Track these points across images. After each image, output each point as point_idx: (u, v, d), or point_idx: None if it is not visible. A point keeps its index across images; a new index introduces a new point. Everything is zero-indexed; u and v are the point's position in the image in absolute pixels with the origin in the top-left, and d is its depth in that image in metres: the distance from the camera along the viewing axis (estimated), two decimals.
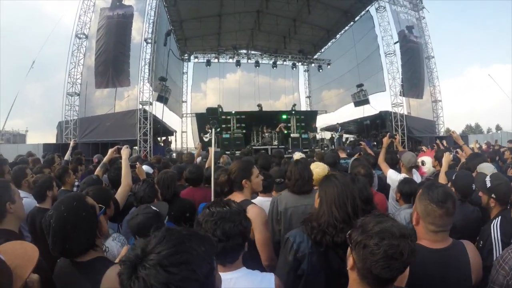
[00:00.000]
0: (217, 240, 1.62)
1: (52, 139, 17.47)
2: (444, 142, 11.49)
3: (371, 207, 2.68)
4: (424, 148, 9.79)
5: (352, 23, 24.05)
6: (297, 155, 6.27)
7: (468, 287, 1.89)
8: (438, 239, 1.90)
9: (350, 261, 1.44)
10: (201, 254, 0.92)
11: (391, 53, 19.56)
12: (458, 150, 5.90)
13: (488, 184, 2.71)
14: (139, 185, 3.27)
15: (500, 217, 2.56)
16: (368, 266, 1.33)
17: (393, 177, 4.38)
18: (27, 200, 3.55)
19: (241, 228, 1.71)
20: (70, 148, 7.02)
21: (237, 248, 1.71)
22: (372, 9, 21.13)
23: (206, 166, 5.13)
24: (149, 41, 16.34)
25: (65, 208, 1.76)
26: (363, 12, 22.54)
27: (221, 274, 1.70)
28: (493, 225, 2.53)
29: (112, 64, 16.12)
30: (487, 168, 3.57)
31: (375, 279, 1.35)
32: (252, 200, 2.91)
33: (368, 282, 1.39)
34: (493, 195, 2.67)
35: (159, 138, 18.89)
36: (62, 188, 4.45)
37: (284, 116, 21.94)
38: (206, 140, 16.72)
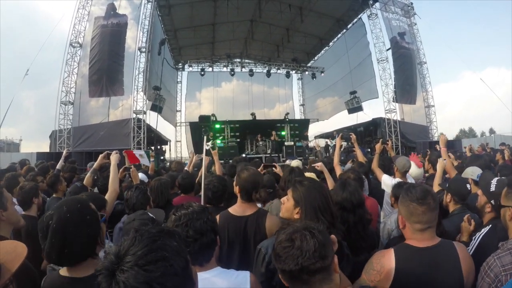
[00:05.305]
0: (192, 240, 1.68)
1: (46, 148, 17.37)
2: (438, 147, 11.56)
3: (362, 210, 2.67)
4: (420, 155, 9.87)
5: (344, 30, 24.29)
6: (294, 163, 6.17)
7: None
8: (425, 237, 1.91)
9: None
10: (174, 249, 0.93)
11: (384, 60, 19.73)
12: (450, 154, 5.95)
13: (492, 188, 2.50)
14: (131, 191, 3.23)
15: (490, 226, 2.43)
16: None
17: (387, 182, 4.37)
18: (17, 208, 3.53)
19: (210, 223, 1.77)
20: (62, 157, 6.97)
21: (212, 243, 1.76)
22: (364, 16, 21.44)
23: (199, 175, 5.01)
24: (143, 50, 16.38)
25: (68, 209, 1.66)
26: (355, 20, 22.82)
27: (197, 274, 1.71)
28: (477, 235, 2.41)
29: (106, 73, 16.09)
30: (470, 171, 3.59)
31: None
32: None
33: None
34: (492, 201, 2.48)
35: (152, 147, 18.83)
36: (54, 195, 4.43)
37: (278, 125, 22.03)
38: (207, 148, 16.72)
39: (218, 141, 19.26)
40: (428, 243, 1.90)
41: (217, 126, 21.22)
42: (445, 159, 4.28)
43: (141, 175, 5.31)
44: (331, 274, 1.37)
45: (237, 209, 2.69)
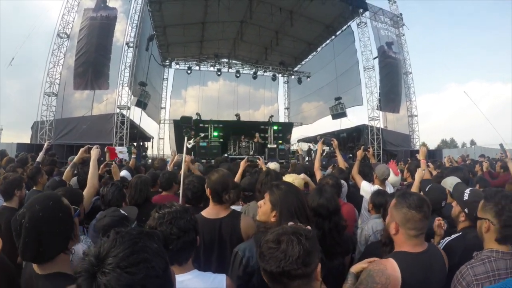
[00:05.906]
0: (175, 238, 1.71)
1: (27, 139, 17.02)
2: (418, 156, 11.78)
3: (338, 217, 2.70)
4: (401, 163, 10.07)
5: (333, 37, 24.42)
6: (272, 165, 6.23)
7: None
8: (418, 243, 1.97)
9: None
10: (155, 250, 0.92)
11: (370, 68, 20.01)
12: (430, 163, 6.07)
13: (465, 197, 2.57)
14: (107, 187, 3.23)
15: (460, 233, 2.52)
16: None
17: (367, 188, 4.44)
18: None
19: (193, 222, 1.81)
20: (43, 149, 6.86)
21: (193, 242, 1.80)
22: (353, 24, 21.62)
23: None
24: (131, 45, 16.25)
25: (40, 207, 1.60)
26: (344, 27, 22.94)
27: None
28: (444, 240, 2.51)
29: (92, 66, 15.89)
30: (449, 182, 3.68)
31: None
32: None
33: None
34: (466, 210, 2.55)
35: (135, 144, 18.62)
36: (34, 188, 4.36)
37: (262, 127, 22.09)
38: (189, 146, 16.60)
39: (202, 134, 19.16)
40: (421, 248, 1.98)
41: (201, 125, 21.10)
42: (424, 170, 4.37)
43: (124, 173, 5.27)
44: (312, 281, 1.40)
45: (210, 211, 2.68)
